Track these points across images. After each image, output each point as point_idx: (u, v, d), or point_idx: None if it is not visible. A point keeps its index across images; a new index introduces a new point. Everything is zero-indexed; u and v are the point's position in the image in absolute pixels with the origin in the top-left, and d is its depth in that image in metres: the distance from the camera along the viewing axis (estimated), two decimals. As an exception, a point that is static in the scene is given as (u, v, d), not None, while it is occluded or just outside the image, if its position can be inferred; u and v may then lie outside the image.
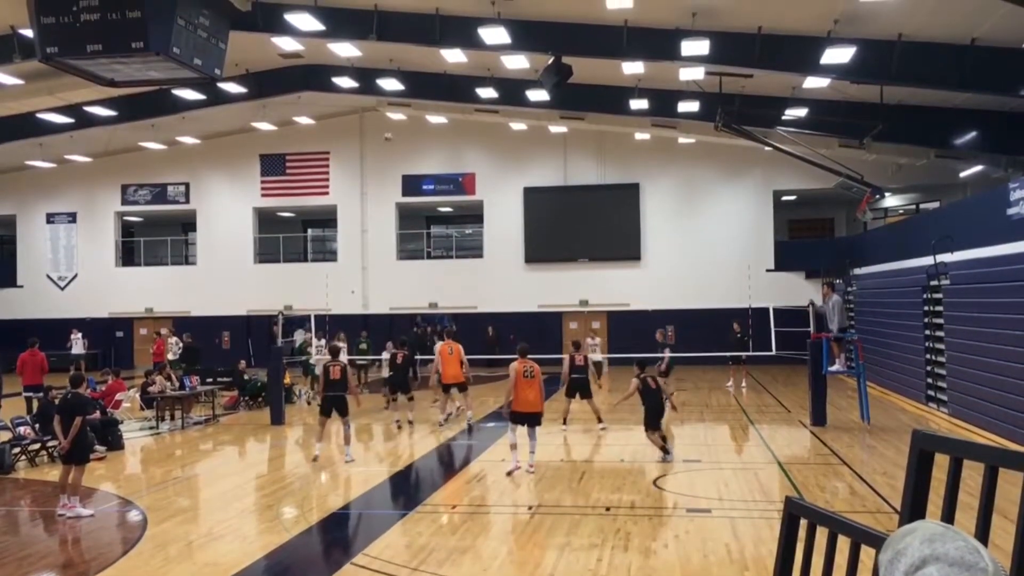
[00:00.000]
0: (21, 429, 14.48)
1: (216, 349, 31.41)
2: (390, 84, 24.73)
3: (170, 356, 24.92)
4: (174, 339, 26.45)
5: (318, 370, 23.08)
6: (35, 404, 16.80)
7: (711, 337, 24.27)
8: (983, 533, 1.89)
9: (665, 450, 13.26)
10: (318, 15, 18.27)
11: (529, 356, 12.76)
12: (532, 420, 12.47)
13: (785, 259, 31.35)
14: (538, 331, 30.87)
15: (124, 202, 35.85)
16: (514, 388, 12.34)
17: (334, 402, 13.87)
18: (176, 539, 9.43)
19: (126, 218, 37.23)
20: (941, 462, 2.08)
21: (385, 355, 20.12)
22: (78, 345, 30.74)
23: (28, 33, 16.51)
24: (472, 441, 16.06)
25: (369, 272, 33.74)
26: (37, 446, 14.30)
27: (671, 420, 15.86)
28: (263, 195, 34.69)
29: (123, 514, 10.89)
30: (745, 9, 17.20)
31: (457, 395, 17.68)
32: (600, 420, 16.74)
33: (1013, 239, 14.54)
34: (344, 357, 20.94)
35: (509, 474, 12.28)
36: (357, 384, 19.08)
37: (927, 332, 18.36)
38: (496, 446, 15.23)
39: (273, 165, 34.47)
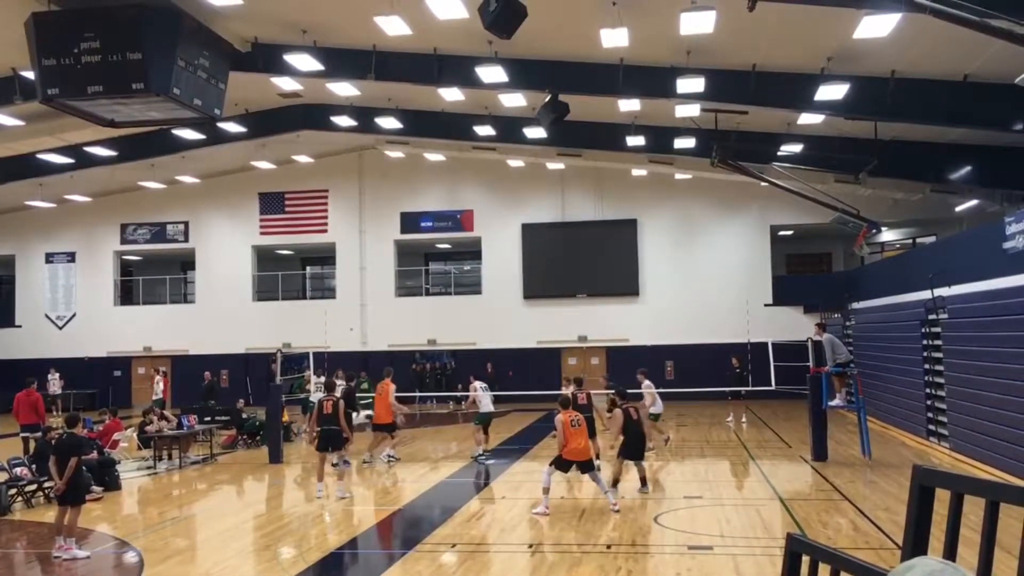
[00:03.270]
0: (17, 470, 14.37)
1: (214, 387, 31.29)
2: (388, 122, 24.93)
3: (152, 396, 25.02)
4: (158, 379, 26.68)
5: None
6: (32, 444, 16.70)
7: (710, 372, 24.19)
8: (985, 569, 1.88)
9: (644, 481, 13.24)
10: (317, 55, 18.46)
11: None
12: (584, 467, 12.53)
13: (783, 294, 31.39)
14: (537, 367, 30.87)
15: (123, 241, 35.95)
16: (565, 440, 12.43)
17: (328, 436, 14.10)
18: (173, 581, 9.33)
19: (125, 257, 37.29)
20: (943, 497, 2.07)
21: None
22: (55, 385, 30.66)
23: (29, 75, 16.70)
24: (471, 479, 15.96)
25: (368, 309, 33.74)
26: (33, 487, 14.20)
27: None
28: (262, 233, 34.81)
29: (119, 556, 10.77)
30: (739, 47, 17.40)
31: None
32: (597, 457, 16.66)
33: (1010, 273, 14.58)
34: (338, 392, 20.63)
35: (538, 514, 12.10)
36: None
37: (926, 366, 18.31)
38: (496, 483, 15.15)
39: (272, 203, 34.62)
